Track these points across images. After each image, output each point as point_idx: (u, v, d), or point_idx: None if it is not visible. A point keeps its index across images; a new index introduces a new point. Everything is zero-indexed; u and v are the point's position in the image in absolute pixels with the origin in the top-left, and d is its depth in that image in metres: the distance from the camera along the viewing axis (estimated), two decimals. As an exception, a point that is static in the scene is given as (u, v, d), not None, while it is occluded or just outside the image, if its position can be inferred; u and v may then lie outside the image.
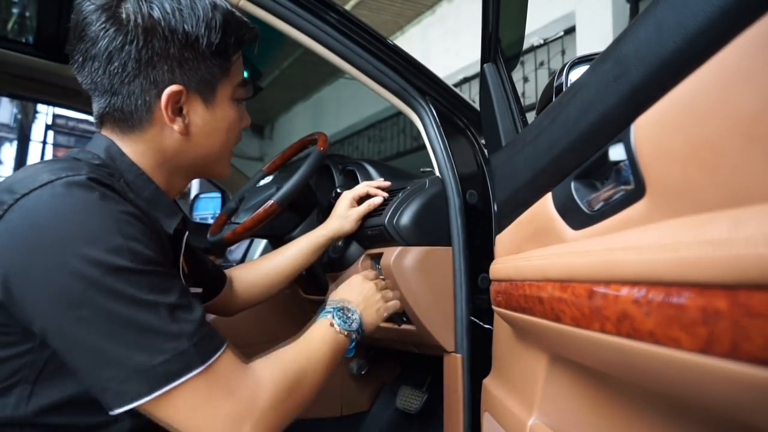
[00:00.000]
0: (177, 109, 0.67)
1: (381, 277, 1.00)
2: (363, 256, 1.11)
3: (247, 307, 1.08)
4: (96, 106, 0.68)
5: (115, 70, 0.63)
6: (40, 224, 0.53)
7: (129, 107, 0.66)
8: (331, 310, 0.79)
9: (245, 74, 0.75)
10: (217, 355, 0.57)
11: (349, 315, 0.80)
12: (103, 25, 0.62)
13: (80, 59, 0.64)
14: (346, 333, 0.77)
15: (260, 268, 1.06)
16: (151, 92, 0.65)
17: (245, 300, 1.06)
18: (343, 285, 0.89)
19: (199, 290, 0.90)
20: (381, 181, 1.10)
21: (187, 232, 0.80)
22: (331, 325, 0.76)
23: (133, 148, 0.68)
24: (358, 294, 0.86)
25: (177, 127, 0.67)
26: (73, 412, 0.60)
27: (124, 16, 0.62)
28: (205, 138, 0.70)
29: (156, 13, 0.62)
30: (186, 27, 0.63)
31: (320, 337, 0.74)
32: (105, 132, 0.69)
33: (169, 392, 0.54)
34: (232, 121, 0.73)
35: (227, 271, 1.06)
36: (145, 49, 0.62)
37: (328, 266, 1.23)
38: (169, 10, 0.63)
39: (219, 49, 0.67)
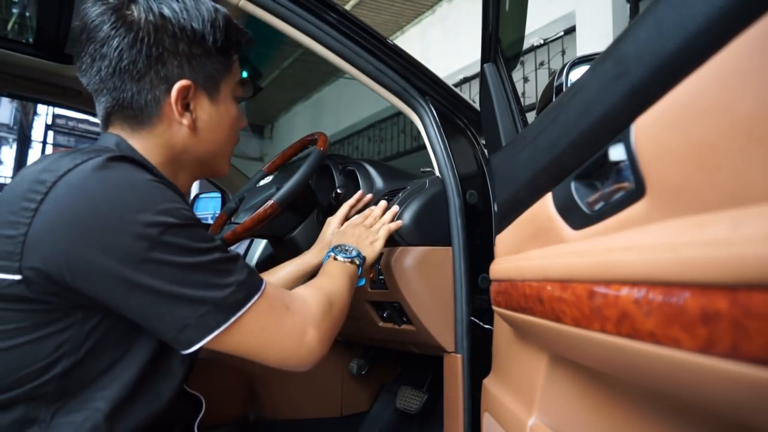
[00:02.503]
0: (185, 104, 0.70)
1: (366, 214, 1.03)
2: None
3: None
4: (102, 106, 0.70)
5: (126, 67, 0.66)
6: (92, 195, 0.57)
7: (139, 103, 0.68)
8: (330, 251, 0.88)
9: (244, 74, 0.77)
10: (265, 282, 0.66)
11: (347, 248, 0.89)
12: (114, 25, 0.65)
13: (88, 60, 0.67)
14: (350, 260, 0.86)
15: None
16: (161, 87, 0.68)
17: None
18: (334, 237, 0.97)
19: None
20: (359, 195, 1.12)
21: None
22: (335, 259, 0.86)
23: (142, 145, 0.70)
24: (350, 237, 0.94)
25: (186, 121, 0.70)
26: (112, 387, 0.63)
27: (135, 15, 0.65)
28: (210, 133, 0.74)
29: (166, 12, 0.66)
30: (194, 24, 0.68)
31: (331, 270, 0.83)
32: (112, 131, 0.71)
33: (241, 318, 0.60)
34: (234, 118, 0.77)
35: None
36: (156, 46, 0.66)
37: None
38: (177, 9, 0.67)
39: (223, 46, 0.71)
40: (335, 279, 0.81)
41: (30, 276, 0.57)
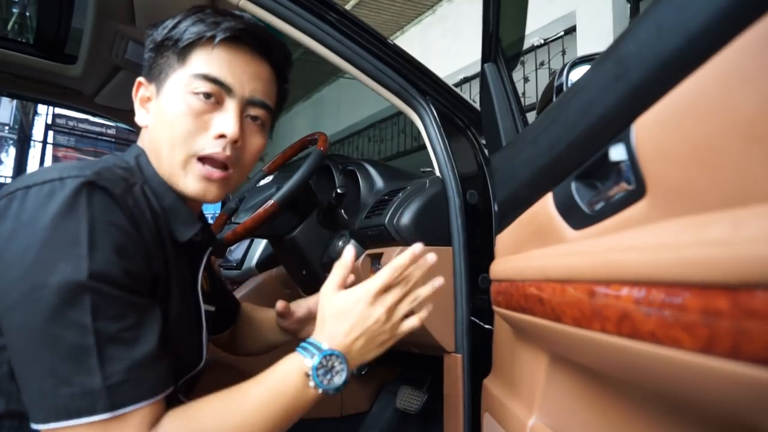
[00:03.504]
0: (143, 102, 0.71)
1: (400, 278, 0.67)
2: (363, 256, 1.11)
3: (253, 353, 1.02)
4: None
5: None
6: (21, 219, 0.53)
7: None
8: (314, 355, 0.61)
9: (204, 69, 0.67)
10: (130, 409, 0.51)
11: (334, 371, 0.61)
12: None
13: None
14: (320, 391, 0.60)
15: (262, 318, 1.01)
16: None
17: (249, 345, 1.02)
18: (341, 309, 0.64)
19: (212, 308, 0.84)
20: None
21: (210, 248, 0.79)
22: (306, 377, 0.60)
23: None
24: (357, 331, 0.64)
25: (140, 118, 0.71)
26: None
27: None
28: (155, 129, 0.68)
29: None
30: (153, 26, 0.70)
31: (281, 387, 0.59)
32: (140, 142, 0.73)
33: (67, 429, 0.49)
34: (178, 112, 0.65)
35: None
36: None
37: (328, 266, 1.23)
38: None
39: (172, 37, 0.67)
40: (267, 409, 0.57)
41: None
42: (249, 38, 0.68)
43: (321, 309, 0.66)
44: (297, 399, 0.59)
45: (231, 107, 0.67)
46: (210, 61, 0.66)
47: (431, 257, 0.69)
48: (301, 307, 0.91)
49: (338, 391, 0.61)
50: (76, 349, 0.50)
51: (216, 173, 0.66)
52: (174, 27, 0.68)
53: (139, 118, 0.71)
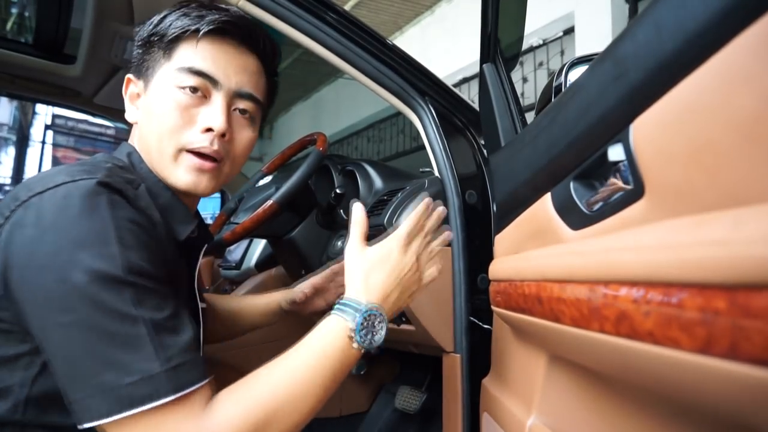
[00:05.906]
0: (133, 98, 0.71)
1: (419, 227, 0.70)
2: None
3: (223, 340, 1.03)
4: None
5: None
6: (43, 224, 0.53)
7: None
8: (356, 315, 0.62)
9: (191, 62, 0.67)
10: (192, 389, 0.52)
11: (375, 329, 0.63)
12: None
13: None
14: (363, 350, 0.62)
15: (232, 305, 1.03)
16: None
17: (225, 331, 1.02)
18: (375, 261, 0.66)
19: (204, 305, 0.84)
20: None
21: (206, 245, 0.79)
22: (350, 338, 0.61)
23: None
24: (392, 280, 0.65)
25: (129, 114, 0.71)
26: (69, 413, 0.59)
27: None
28: (144, 124, 0.69)
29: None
30: (142, 23, 0.70)
31: (328, 350, 0.60)
32: (131, 139, 0.73)
33: (131, 417, 0.50)
34: (165, 107, 0.65)
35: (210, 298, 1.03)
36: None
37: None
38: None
39: (157, 32, 0.67)
40: (317, 371, 0.58)
41: None
42: (234, 30, 0.68)
43: (351, 267, 0.66)
44: (343, 360, 0.61)
45: (218, 100, 0.67)
46: (195, 54, 0.66)
47: (443, 209, 0.74)
48: (307, 287, 0.97)
49: (378, 348, 0.63)
50: (132, 339, 0.51)
51: (207, 164, 0.67)
52: (159, 22, 0.68)
53: (129, 114, 0.71)
